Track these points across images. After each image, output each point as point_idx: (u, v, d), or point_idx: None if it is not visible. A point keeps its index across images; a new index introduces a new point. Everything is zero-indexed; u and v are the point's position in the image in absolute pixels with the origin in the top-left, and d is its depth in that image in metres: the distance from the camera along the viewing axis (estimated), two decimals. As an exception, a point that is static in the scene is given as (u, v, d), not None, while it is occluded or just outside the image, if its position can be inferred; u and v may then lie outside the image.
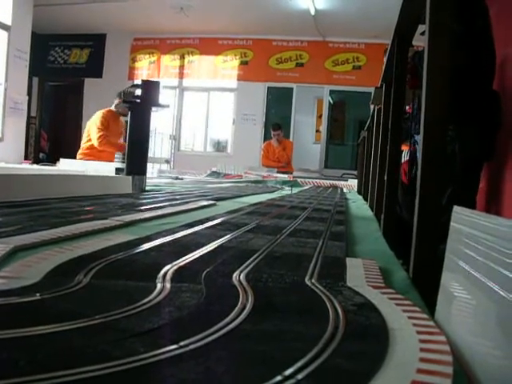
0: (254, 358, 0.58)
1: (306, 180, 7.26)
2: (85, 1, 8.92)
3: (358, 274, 1.04)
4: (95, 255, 1.06)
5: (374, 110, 3.81)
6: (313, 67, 10.69)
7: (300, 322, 0.72)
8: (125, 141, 3.84)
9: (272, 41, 10.87)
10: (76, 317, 0.66)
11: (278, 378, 0.50)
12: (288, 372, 0.52)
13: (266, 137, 10.37)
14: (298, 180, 7.03)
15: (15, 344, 0.57)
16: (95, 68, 11.74)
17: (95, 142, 6.12)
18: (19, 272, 0.89)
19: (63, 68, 12.10)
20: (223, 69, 11.25)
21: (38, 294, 0.76)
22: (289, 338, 0.65)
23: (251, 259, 1.13)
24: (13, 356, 0.53)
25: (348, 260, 1.19)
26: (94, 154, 6.07)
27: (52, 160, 6.33)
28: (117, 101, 6.23)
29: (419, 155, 1.20)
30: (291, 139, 10.25)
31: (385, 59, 2.64)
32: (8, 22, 8.20)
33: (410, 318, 0.74)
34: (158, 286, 0.85)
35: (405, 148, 3.45)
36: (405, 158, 3.46)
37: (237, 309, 0.74)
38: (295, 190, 5.05)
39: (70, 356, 0.55)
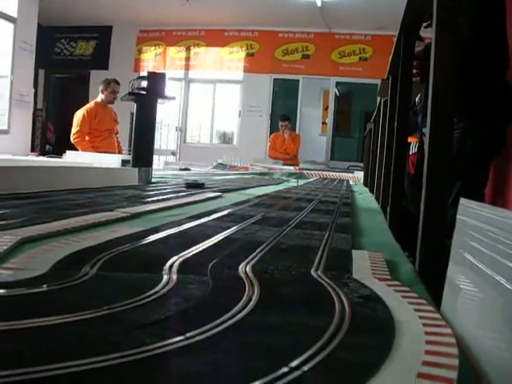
0: (259, 349, 0.58)
1: (312, 172, 7.24)
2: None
3: (364, 266, 1.04)
4: (101, 247, 1.06)
5: (380, 102, 3.80)
6: (319, 59, 10.65)
7: (306, 314, 0.72)
8: (130, 134, 3.84)
9: (278, 32, 10.83)
10: (83, 308, 0.66)
11: (284, 369, 0.50)
12: (294, 364, 0.52)
13: (272, 129, 10.35)
14: (304, 172, 7.01)
15: (22, 335, 0.58)
16: (101, 60, 11.73)
17: (71, 137, 6.16)
18: (26, 263, 0.90)
19: (69, 60, 12.10)
20: (229, 60, 11.22)
21: (44, 286, 0.76)
22: (295, 330, 0.65)
23: (257, 251, 1.13)
24: (19, 347, 0.53)
25: (354, 252, 1.19)
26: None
27: (58, 152, 6.35)
28: (101, 88, 6.25)
29: (426, 147, 1.19)
30: (297, 131, 10.23)
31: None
32: (14, 14, 8.18)
33: (416, 310, 0.74)
34: (165, 277, 0.85)
35: (413, 140, 3.44)
36: (413, 150, 3.46)
37: (243, 300, 0.74)
38: (301, 182, 5.04)
39: (76, 347, 0.55)
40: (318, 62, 10.66)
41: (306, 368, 0.51)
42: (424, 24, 2.17)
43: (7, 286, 0.75)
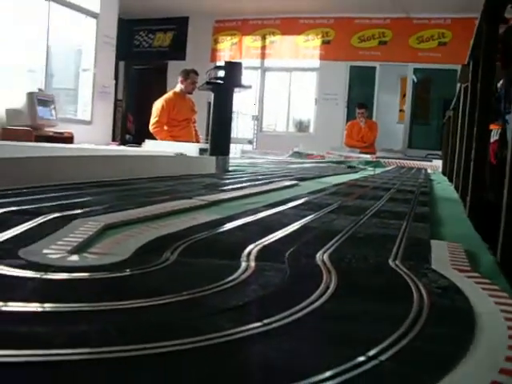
0: (337, 338, 0.58)
1: (389, 160, 7.12)
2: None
3: (442, 257, 1.02)
4: (181, 233, 1.09)
5: (460, 89, 3.68)
6: (396, 45, 10.40)
7: (384, 303, 0.71)
8: (208, 123, 3.89)
9: (354, 19, 10.65)
10: (164, 292, 0.69)
11: (362, 358, 0.50)
12: (371, 353, 0.52)
13: (349, 117, 10.22)
14: (381, 160, 6.90)
15: (107, 317, 0.60)
16: (178, 51, 11.92)
17: (150, 127, 6.27)
18: (109, 249, 0.93)
19: (148, 52, 12.37)
20: (305, 48, 11.14)
21: (127, 270, 0.79)
22: (372, 319, 0.65)
23: (334, 240, 1.13)
24: (105, 327, 0.56)
25: (432, 242, 1.17)
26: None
27: (138, 141, 6.51)
28: (180, 78, 6.33)
29: (510, 135, 1.15)
30: (374, 119, 10.06)
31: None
32: (96, 9, 8.45)
33: (497, 303, 0.72)
34: (243, 264, 0.86)
35: (494, 127, 3.32)
36: (494, 137, 3.34)
37: (320, 289, 0.74)
38: (378, 171, 4.97)
39: (158, 330, 0.57)
40: (395, 48, 10.42)
41: (383, 358, 0.51)
42: (510, 5, 2.07)
43: (92, 270, 0.79)
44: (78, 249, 0.90)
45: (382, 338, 0.56)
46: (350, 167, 5.37)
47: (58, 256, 0.84)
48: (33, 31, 7.50)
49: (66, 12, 7.94)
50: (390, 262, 0.95)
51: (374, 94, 10.69)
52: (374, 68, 10.71)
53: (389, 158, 7.36)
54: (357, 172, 4.70)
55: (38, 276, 0.73)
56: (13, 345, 0.49)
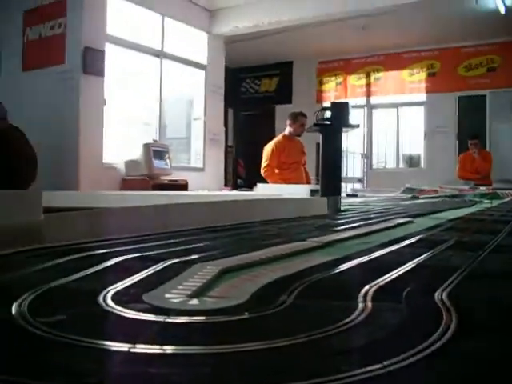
0: (459, 381, 0.56)
1: (507, 192, 6.79)
2: (271, 32, 9.31)
3: None
4: (296, 276, 1.10)
5: None
6: (506, 70, 10.04)
7: (506, 346, 0.68)
8: (317, 164, 3.91)
9: (460, 48, 10.41)
10: (282, 335, 0.69)
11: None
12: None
13: (461, 149, 9.91)
14: (498, 192, 6.60)
15: (227, 358, 0.62)
16: (284, 94, 12.16)
17: (261, 171, 6.35)
18: (227, 292, 0.96)
19: (255, 97, 12.72)
20: (410, 83, 11.01)
21: (246, 313, 0.81)
22: (498, 362, 0.62)
23: (453, 277, 1.09)
24: (226, 369, 0.58)
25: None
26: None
27: (249, 185, 6.65)
28: (289, 122, 6.40)
29: None
30: (488, 149, 9.69)
31: None
32: (204, 61, 8.86)
33: None
34: (360, 305, 0.86)
35: None
36: None
37: (441, 329, 0.72)
38: (495, 203, 4.76)
39: (277, 372, 0.58)
40: (505, 73, 10.06)
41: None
42: None
43: (211, 314, 0.81)
44: (197, 293, 0.93)
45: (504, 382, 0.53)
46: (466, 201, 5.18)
47: (179, 300, 0.88)
48: (147, 86, 7.96)
49: (177, 66, 8.35)
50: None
51: (485, 123, 10.31)
52: (483, 96, 10.36)
53: (506, 189, 7.02)
54: (473, 205, 4.52)
55: (161, 320, 0.77)
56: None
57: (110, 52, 7.06)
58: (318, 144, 3.73)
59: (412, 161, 11.29)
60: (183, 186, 7.23)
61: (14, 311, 0.80)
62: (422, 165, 10.94)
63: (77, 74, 6.59)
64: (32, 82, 6.90)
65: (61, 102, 6.62)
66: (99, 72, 6.73)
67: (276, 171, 6.33)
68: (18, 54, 7.16)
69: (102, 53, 6.80)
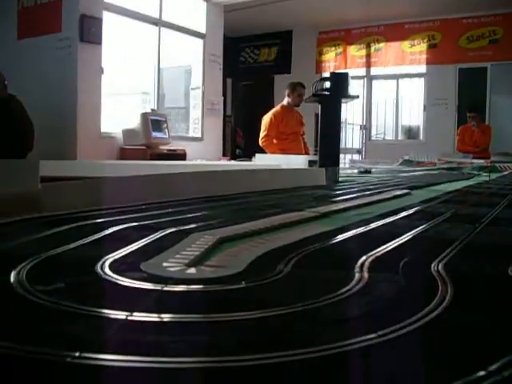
0: (454, 350, 0.57)
1: (506, 165, 6.78)
2: (271, 0, 9.19)
3: None
4: (293, 246, 1.10)
5: None
6: (508, 42, 9.94)
7: (503, 317, 0.69)
8: (316, 134, 3.90)
9: (461, 19, 10.29)
10: (279, 304, 0.70)
11: (482, 373, 0.49)
12: (493, 367, 0.50)
13: (460, 121, 9.87)
14: (497, 165, 6.59)
15: (224, 327, 0.63)
16: (284, 64, 12.06)
17: (259, 141, 6.33)
18: (225, 261, 0.96)
19: (254, 67, 12.61)
20: (411, 54, 10.91)
21: (243, 282, 0.82)
22: (491, 333, 0.63)
23: (449, 249, 1.10)
24: (222, 337, 0.58)
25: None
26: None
27: (248, 155, 6.63)
28: (287, 92, 6.35)
29: None
30: (487, 122, 9.65)
31: None
32: (203, 30, 8.75)
33: None
34: (356, 275, 0.86)
35: None
36: None
37: (436, 300, 0.73)
38: (493, 176, 4.76)
39: (273, 340, 0.59)
40: (507, 46, 9.96)
41: (506, 373, 0.49)
42: None
43: (208, 282, 0.82)
44: (195, 262, 0.94)
45: (502, 353, 0.54)
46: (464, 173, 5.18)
47: (177, 269, 0.88)
48: (144, 55, 7.89)
49: (175, 35, 8.27)
50: (510, 272, 0.91)
51: (485, 96, 10.24)
52: (484, 69, 10.27)
53: (505, 163, 7.01)
54: (471, 178, 4.53)
55: (159, 288, 0.77)
56: (140, 352, 0.52)
57: (108, 20, 6.97)
58: (316, 115, 3.72)
59: (411, 132, 11.25)
60: (181, 156, 7.21)
61: (12, 279, 0.80)
62: (421, 137, 10.90)
63: (74, 42, 6.51)
64: (28, 51, 6.82)
65: (58, 71, 6.56)
66: (97, 40, 6.65)
67: (274, 141, 6.30)
68: (13, 22, 7.07)
69: (99, 20, 6.71)
